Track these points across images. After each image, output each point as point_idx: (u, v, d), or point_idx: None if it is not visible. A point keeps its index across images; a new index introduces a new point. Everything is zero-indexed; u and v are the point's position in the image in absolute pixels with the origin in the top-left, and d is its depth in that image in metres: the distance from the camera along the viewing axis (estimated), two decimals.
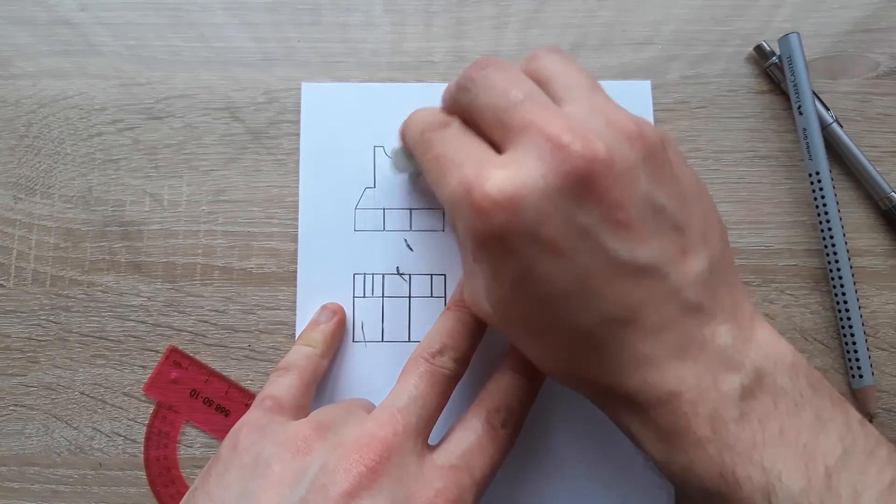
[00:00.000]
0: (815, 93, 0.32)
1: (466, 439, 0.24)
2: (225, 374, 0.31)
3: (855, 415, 0.22)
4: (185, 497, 0.23)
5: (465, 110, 0.24)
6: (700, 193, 0.23)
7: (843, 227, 0.31)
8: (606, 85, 0.32)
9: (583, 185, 0.20)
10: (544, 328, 0.22)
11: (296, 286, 0.31)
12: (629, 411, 0.22)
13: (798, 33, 0.31)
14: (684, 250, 0.22)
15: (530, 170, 0.20)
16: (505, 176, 0.20)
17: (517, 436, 0.26)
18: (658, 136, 0.22)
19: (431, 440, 0.24)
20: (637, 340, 0.21)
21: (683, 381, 0.21)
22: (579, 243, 0.20)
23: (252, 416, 0.25)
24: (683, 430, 0.21)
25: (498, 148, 0.22)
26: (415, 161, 0.29)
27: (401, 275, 0.31)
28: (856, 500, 0.20)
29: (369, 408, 0.26)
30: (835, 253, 0.31)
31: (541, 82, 0.24)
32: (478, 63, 0.24)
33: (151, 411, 0.31)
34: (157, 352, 0.31)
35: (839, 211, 0.31)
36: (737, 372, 0.21)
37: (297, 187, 0.32)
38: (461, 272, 0.27)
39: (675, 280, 0.21)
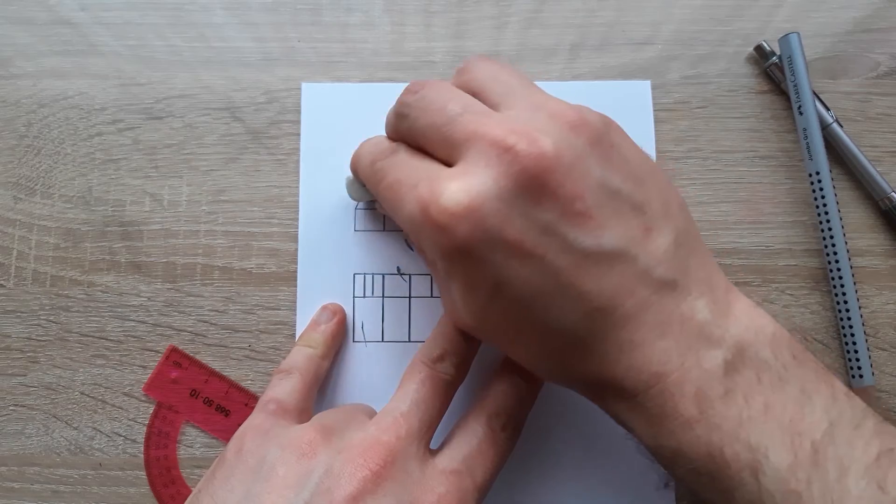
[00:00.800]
0: (815, 93, 0.32)
1: (468, 444, 0.24)
2: (225, 374, 0.31)
3: (840, 387, 0.22)
4: (188, 499, 0.23)
5: (407, 136, 0.25)
6: (652, 169, 0.23)
7: (843, 227, 0.31)
8: (606, 85, 0.33)
9: (535, 183, 0.20)
10: (526, 331, 0.22)
11: (296, 286, 0.31)
12: (619, 400, 0.22)
13: (798, 33, 0.31)
14: (647, 228, 0.22)
15: (481, 177, 0.20)
16: (458, 187, 0.20)
17: (518, 438, 0.26)
18: (601, 120, 0.22)
19: (432, 443, 0.25)
20: (618, 327, 0.21)
21: (667, 361, 0.21)
22: (544, 241, 0.20)
23: (256, 419, 0.25)
24: (671, 413, 0.21)
25: (447, 164, 0.22)
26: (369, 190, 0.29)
27: (401, 275, 0.31)
28: (843, 476, 0.20)
29: (371, 413, 0.26)
30: (835, 253, 0.31)
31: (476, 93, 0.24)
32: (409, 88, 0.24)
33: (151, 411, 0.31)
34: (157, 352, 0.31)
35: (839, 211, 0.31)
36: (718, 347, 0.21)
37: (297, 187, 0.32)
38: None
39: (643, 260, 0.21)
